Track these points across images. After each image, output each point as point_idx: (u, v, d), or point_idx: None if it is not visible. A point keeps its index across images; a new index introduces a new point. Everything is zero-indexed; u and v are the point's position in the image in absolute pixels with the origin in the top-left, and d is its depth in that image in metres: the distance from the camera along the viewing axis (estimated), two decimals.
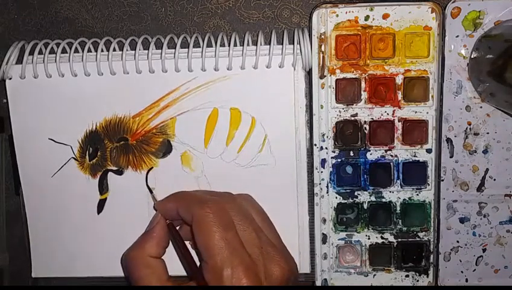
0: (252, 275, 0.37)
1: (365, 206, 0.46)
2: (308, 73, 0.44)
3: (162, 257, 0.42)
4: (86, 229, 0.46)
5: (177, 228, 0.43)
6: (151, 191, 0.45)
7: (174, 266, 0.42)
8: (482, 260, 0.46)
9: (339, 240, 0.46)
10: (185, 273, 0.44)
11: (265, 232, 0.41)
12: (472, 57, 0.44)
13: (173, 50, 0.44)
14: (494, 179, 0.45)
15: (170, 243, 0.43)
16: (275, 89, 0.44)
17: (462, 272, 0.46)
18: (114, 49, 0.44)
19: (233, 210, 0.40)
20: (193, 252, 0.42)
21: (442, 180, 0.45)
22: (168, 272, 0.41)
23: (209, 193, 0.43)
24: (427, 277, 0.46)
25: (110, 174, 0.46)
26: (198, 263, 0.41)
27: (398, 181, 0.45)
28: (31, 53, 0.44)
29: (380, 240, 0.46)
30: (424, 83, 0.44)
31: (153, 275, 0.40)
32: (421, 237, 0.46)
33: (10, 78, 0.45)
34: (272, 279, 0.38)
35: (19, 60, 0.45)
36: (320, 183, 0.46)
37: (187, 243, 0.43)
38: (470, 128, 0.45)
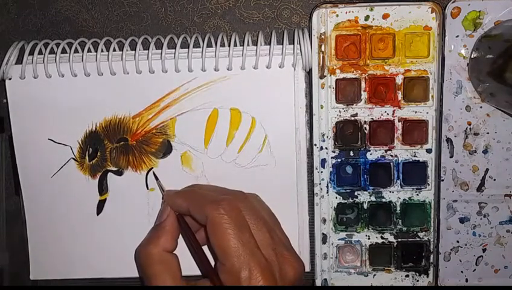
0: (269, 276, 0.37)
1: (365, 206, 0.46)
2: (308, 73, 0.44)
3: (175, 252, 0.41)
4: (85, 230, 0.46)
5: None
6: (156, 178, 0.45)
7: (185, 266, 0.42)
8: (482, 260, 0.46)
9: (339, 240, 0.46)
10: (195, 273, 0.44)
11: (277, 232, 0.41)
12: (472, 57, 0.44)
13: (173, 50, 0.44)
14: (494, 179, 0.45)
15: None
16: (275, 89, 0.44)
17: (462, 272, 0.46)
18: (114, 50, 0.44)
19: (247, 210, 0.39)
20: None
21: (442, 180, 0.45)
22: (181, 268, 0.40)
23: (221, 190, 0.43)
24: (427, 277, 0.46)
25: (109, 174, 0.46)
26: (207, 254, 0.41)
27: (398, 181, 0.45)
28: (31, 53, 0.44)
29: (380, 240, 0.46)
30: (424, 83, 0.44)
31: (167, 272, 0.39)
32: (421, 237, 0.46)
33: (10, 79, 0.45)
34: (286, 279, 0.38)
35: (19, 60, 0.45)
36: (320, 183, 0.46)
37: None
38: (470, 128, 0.45)
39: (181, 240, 0.42)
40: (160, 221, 0.42)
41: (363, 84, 0.44)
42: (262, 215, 0.40)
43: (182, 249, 0.42)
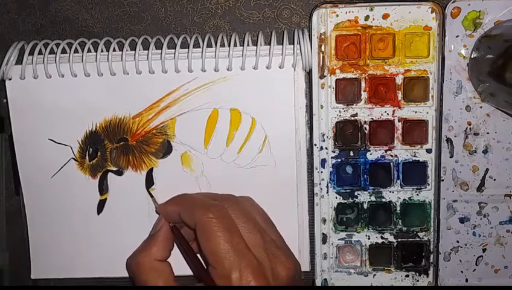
0: (260, 276, 0.37)
1: (365, 206, 0.46)
2: (308, 73, 0.44)
3: (168, 260, 0.42)
4: (85, 229, 0.46)
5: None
6: (151, 196, 0.45)
7: (181, 266, 0.42)
8: (482, 260, 0.46)
9: (339, 240, 0.46)
10: (190, 273, 0.44)
11: (269, 233, 0.41)
12: (472, 57, 0.44)
13: (173, 50, 0.44)
14: (494, 179, 0.45)
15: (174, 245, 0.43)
16: (275, 89, 0.44)
17: (462, 272, 0.46)
18: (114, 50, 0.44)
19: (236, 213, 0.40)
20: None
21: (442, 180, 0.45)
22: (174, 274, 0.41)
23: (211, 195, 0.43)
24: (427, 277, 0.46)
25: (110, 174, 0.46)
26: (204, 265, 0.41)
27: (398, 181, 0.45)
28: (31, 53, 0.44)
29: (380, 240, 0.46)
30: (424, 83, 0.44)
31: (160, 278, 0.40)
32: (421, 237, 0.46)
33: (10, 79, 0.45)
34: (278, 279, 0.39)
35: (19, 61, 0.45)
36: (320, 183, 0.46)
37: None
38: (470, 128, 0.45)
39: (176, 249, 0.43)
40: (154, 232, 0.42)
41: (363, 84, 0.44)
42: (252, 217, 0.41)
43: (174, 254, 0.42)
